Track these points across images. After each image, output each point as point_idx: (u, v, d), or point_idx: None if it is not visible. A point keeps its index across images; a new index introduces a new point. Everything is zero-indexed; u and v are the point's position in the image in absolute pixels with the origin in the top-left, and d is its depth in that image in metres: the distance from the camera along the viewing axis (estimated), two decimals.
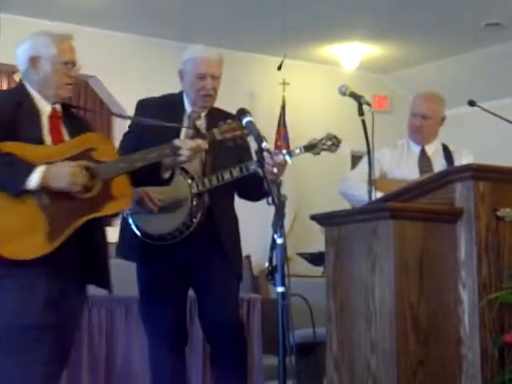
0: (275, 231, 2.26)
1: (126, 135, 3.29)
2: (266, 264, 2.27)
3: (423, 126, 3.86)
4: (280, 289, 2.23)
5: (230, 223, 3.19)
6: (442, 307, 2.49)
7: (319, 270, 6.26)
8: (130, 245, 3.16)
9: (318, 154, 3.15)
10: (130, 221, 3.12)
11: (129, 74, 7.86)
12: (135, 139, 3.12)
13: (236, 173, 3.06)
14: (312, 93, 9.04)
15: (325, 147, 3.13)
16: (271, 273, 2.26)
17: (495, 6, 7.18)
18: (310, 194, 8.45)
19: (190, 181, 3.05)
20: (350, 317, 2.58)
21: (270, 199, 2.37)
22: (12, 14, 7.20)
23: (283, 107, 8.12)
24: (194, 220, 3.04)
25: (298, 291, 2.34)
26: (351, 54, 8.65)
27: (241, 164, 3.06)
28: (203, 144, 2.87)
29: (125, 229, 3.18)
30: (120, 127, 8.77)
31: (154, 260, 3.11)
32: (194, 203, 3.03)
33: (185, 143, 2.83)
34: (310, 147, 3.12)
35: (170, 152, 2.81)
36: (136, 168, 2.72)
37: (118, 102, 8.39)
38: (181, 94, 3.24)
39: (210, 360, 3.33)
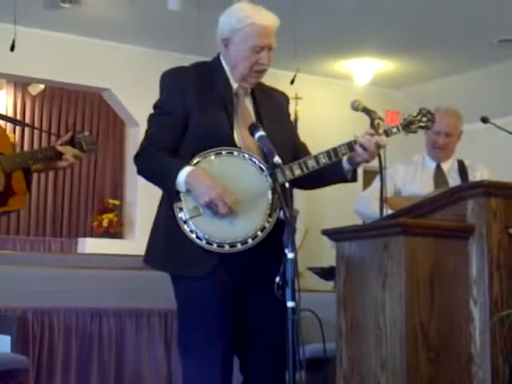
0: (286, 246, 2.25)
1: (157, 119, 2.61)
2: (277, 278, 2.27)
3: (447, 143, 3.81)
4: (290, 303, 2.22)
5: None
6: (452, 324, 2.47)
7: (330, 284, 6.25)
8: (174, 254, 2.53)
9: (415, 132, 2.79)
10: (191, 226, 2.47)
11: (143, 87, 7.89)
12: (178, 126, 2.55)
13: (324, 159, 2.57)
14: (324, 107, 9.06)
15: (422, 124, 2.78)
16: (281, 287, 2.25)
17: (508, 22, 7.18)
18: (321, 209, 8.45)
19: (265, 170, 2.47)
20: (361, 333, 2.56)
21: (281, 213, 2.36)
22: (28, 27, 7.27)
23: (295, 122, 8.13)
24: (270, 220, 2.48)
25: (308, 306, 2.33)
26: (364, 69, 8.68)
27: (328, 149, 2.59)
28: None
29: (169, 235, 2.55)
30: (133, 138, 8.83)
31: (213, 274, 2.49)
32: (274, 199, 2.44)
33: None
34: (407, 125, 2.75)
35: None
36: None
37: (132, 115, 8.44)
38: (218, 62, 2.65)
39: None
